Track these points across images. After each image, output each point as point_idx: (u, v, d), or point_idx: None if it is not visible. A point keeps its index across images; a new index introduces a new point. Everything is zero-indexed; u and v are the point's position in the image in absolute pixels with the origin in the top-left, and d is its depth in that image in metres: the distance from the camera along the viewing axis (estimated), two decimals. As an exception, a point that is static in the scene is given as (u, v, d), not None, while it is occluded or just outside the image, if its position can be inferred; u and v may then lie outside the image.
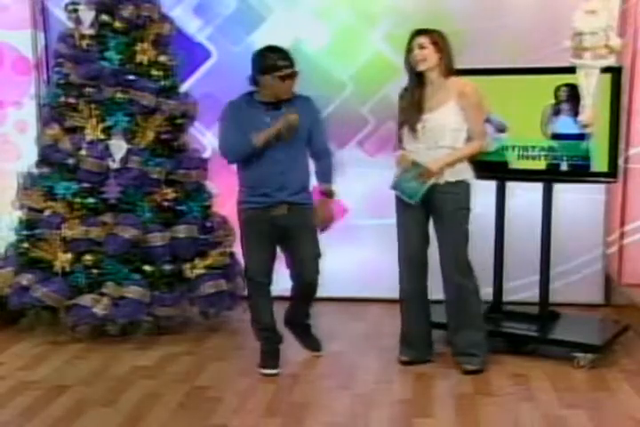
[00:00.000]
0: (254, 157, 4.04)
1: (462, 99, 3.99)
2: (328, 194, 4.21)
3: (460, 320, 4.17)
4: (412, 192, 4.03)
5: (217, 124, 4.21)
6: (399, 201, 4.17)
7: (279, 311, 4.31)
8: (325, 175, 4.23)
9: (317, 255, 4.22)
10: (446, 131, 4.01)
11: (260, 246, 4.14)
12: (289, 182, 4.10)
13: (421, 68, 4.01)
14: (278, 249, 4.22)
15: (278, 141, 4.01)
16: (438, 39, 3.99)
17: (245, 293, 4.99)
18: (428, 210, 4.13)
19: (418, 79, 4.06)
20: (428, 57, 3.99)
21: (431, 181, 4.00)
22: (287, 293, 4.34)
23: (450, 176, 4.05)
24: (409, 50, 4.03)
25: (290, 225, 4.13)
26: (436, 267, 4.20)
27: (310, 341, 4.48)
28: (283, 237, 4.17)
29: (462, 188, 4.08)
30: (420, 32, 4.01)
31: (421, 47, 3.98)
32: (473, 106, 4.01)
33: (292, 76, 4.01)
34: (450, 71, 4.03)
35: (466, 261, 4.13)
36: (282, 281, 4.26)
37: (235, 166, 4.20)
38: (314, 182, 4.24)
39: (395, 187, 4.11)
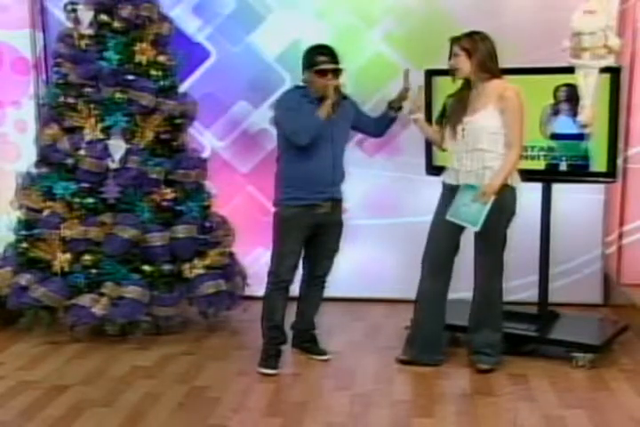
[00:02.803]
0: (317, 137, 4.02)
1: (501, 102, 3.94)
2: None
3: (481, 320, 4.20)
4: (473, 219, 3.96)
5: (274, 114, 4.14)
6: (442, 201, 4.14)
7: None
8: None
9: (337, 250, 4.31)
10: (484, 134, 3.97)
11: (295, 247, 4.15)
12: (337, 177, 4.18)
13: (457, 76, 4.03)
14: None
15: (334, 113, 4.05)
16: (468, 45, 3.95)
17: (245, 293, 5.03)
18: None
19: (467, 82, 4.05)
20: (459, 65, 3.99)
21: (491, 201, 3.93)
22: (293, 292, 4.33)
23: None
24: (449, 58, 4.04)
25: (326, 221, 4.18)
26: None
27: (317, 348, 4.46)
28: (314, 233, 4.19)
29: (506, 192, 4.00)
30: (453, 40, 4.01)
31: (455, 55, 3.99)
32: (511, 110, 3.94)
33: (331, 71, 4.02)
34: (490, 74, 3.98)
35: (500, 266, 4.15)
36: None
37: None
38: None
39: (452, 215, 4.02)
